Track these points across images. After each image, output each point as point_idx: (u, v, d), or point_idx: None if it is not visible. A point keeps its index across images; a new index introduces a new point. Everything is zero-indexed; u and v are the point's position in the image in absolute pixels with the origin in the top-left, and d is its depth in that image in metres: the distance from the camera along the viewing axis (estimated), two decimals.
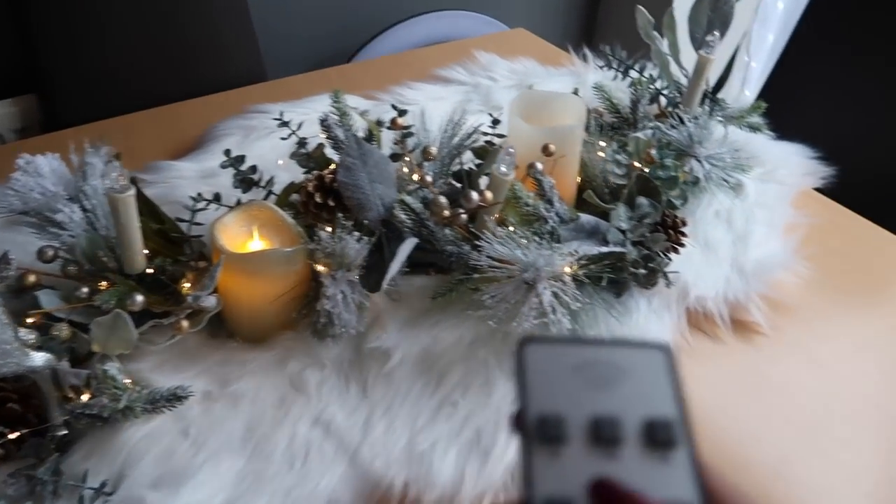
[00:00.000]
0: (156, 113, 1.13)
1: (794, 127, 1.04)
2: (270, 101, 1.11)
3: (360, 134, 0.83)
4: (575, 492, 0.24)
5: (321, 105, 1.09)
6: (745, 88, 2.14)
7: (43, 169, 0.71)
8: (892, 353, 0.73)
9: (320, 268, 0.67)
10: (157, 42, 1.24)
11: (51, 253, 0.67)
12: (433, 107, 1.10)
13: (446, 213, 0.70)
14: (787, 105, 1.20)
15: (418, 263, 0.75)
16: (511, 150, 0.69)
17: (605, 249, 0.68)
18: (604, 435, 0.25)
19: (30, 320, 0.61)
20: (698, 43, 1.00)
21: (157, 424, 0.61)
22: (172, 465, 0.58)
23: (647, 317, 0.72)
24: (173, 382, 0.63)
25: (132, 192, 0.63)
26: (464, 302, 0.72)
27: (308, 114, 1.04)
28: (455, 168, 0.82)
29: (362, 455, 0.59)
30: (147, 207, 0.74)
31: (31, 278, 0.65)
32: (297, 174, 0.87)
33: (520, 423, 0.26)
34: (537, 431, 0.25)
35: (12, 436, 0.56)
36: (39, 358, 0.56)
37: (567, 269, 0.65)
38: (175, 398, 0.59)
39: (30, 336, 0.58)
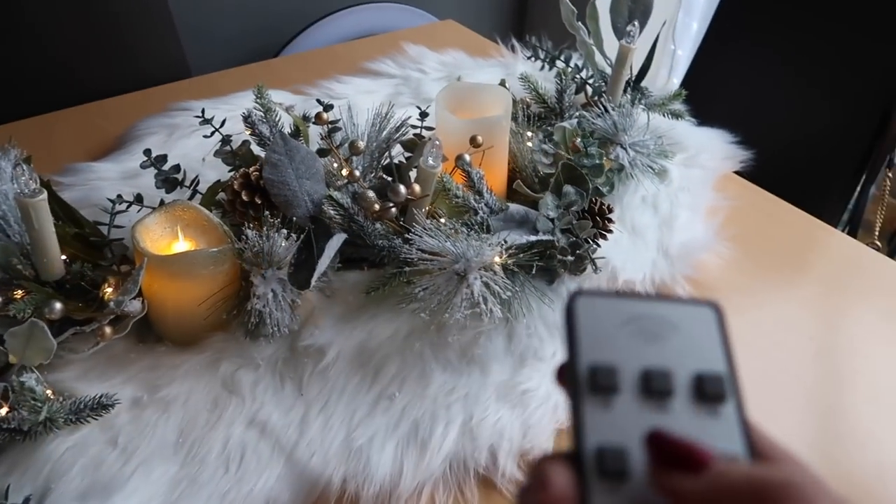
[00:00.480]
0: (74, 112, 1.09)
1: (715, 112, 1.08)
2: (194, 98, 1.08)
3: (287, 130, 0.82)
4: (627, 440, 0.24)
5: (247, 101, 1.06)
6: (672, 76, 2.21)
7: None
8: (809, 328, 0.76)
9: (249, 267, 0.66)
10: (74, 37, 1.18)
11: None
12: (363, 100, 1.09)
13: (376, 207, 0.70)
14: (708, 91, 1.24)
15: (350, 259, 0.75)
16: (437, 142, 0.69)
17: (533, 238, 0.69)
18: (654, 387, 0.25)
19: None
20: (620, 33, 1.02)
21: (84, 434, 0.59)
22: (101, 475, 0.56)
23: None
24: (100, 390, 0.61)
25: (44, 196, 0.61)
26: (398, 296, 0.72)
27: (233, 110, 1.02)
28: (385, 162, 0.82)
29: (299, 454, 0.59)
30: (64, 211, 0.71)
31: None
32: (223, 172, 0.85)
33: (570, 374, 0.26)
34: (588, 382, 0.25)
35: None
36: None
37: (497, 259, 0.66)
38: (100, 407, 0.58)
39: None
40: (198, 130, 0.99)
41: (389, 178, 0.81)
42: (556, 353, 0.69)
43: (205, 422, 0.61)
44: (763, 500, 0.23)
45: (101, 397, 0.58)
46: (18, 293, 0.63)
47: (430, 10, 1.69)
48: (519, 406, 0.63)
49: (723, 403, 0.26)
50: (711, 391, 0.26)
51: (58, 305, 0.60)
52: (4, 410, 0.56)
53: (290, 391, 0.64)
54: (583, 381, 0.25)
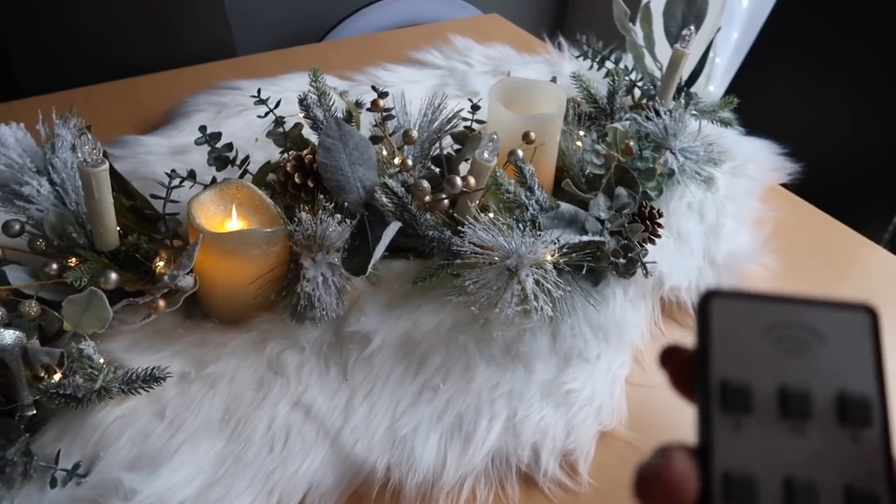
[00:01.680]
0: (121, 85, 1.09)
1: (762, 123, 1.07)
2: (240, 77, 1.08)
3: (339, 115, 0.82)
4: (757, 468, 0.22)
5: (294, 83, 1.07)
6: (710, 84, 2.19)
7: (7, 139, 0.68)
8: None
9: (300, 249, 0.66)
10: (123, 11, 1.19)
11: (17, 227, 0.64)
12: (409, 90, 1.08)
13: (428, 197, 0.70)
14: (755, 101, 1.22)
15: (398, 248, 0.75)
16: (495, 136, 0.69)
17: (585, 238, 0.69)
18: (791, 408, 0.23)
19: None
20: (673, 36, 1.01)
21: (132, 405, 0.60)
22: (148, 447, 0.57)
23: (623, 306, 0.73)
24: (148, 363, 0.61)
25: (105, 166, 0.61)
26: (444, 287, 0.72)
27: (281, 92, 1.02)
28: (434, 153, 0.82)
29: (343, 439, 0.59)
30: (118, 183, 0.72)
31: None
32: (271, 153, 0.85)
33: (700, 384, 0.24)
34: (719, 398, 0.23)
35: None
36: (9, 336, 0.54)
37: (549, 258, 0.65)
38: (152, 379, 0.58)
39: None
40: (245, 110, 0.99)
41: (438, 169, 0.81)
42: (600, 354, 0.68)
43: (250, 400, 0.62)
44: None
45: (153, 370, 0.58)
46: (73, 261, 0.64)
47: (473, 2, 1.68)
48: (563, 406, 0.63)
49: (866, 429, 0.23)
50: (854, 415, 0.23)
51: (113, 276, 0.60)
52: (59, 376, 0.56)
53: (335, 376, 0.65)
54: (714, 396, 0.23)
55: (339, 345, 0.67)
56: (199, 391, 0.61)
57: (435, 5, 1.61)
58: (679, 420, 0.65)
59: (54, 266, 0.62)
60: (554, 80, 0.98)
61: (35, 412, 0.57)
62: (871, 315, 0.24)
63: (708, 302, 0.25)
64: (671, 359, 0.26)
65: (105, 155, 0.66)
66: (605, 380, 0.66)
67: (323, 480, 0.57)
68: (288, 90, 1.04)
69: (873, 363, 0.24)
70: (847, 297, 0.25)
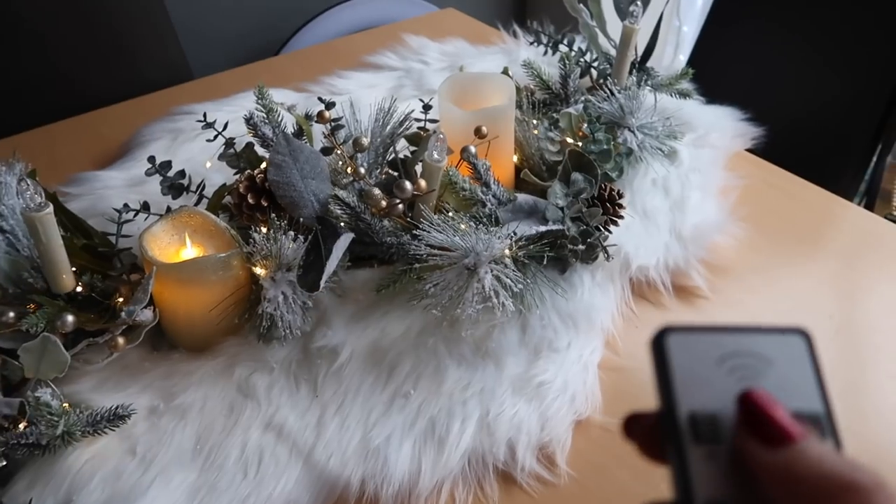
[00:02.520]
0: (77, 121, 1.09)
1: (723, 90, 1.06)
2: (197, 100, 1.08)
3: (290, 129, 0.82)
4: (731, 493, 0.24)
5: (249, 102, 1.06)
6: (679, 53, 2.18)
7: None
8: (828, 305, 0.75)
9: (259, 270, 0.66)
10: (74, 45, 1.18)
11: None
12: (365, 95, 1.08)
13: (382, 204, 0.69)
14: (716, 68, 1.22)
15: (360, 257, 0.75)
16: (441, 135, 0.68)
17: (542, 228, 0.68)
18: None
19: None
20: (623, 13, 1.01)
21: (102, 446, 0.59)
22: (121, 485, 0.56)
23: (592, 290, 0.73)
24: (115, 401, 0.61)
25: (50, 209, 0.60)
26: (408, 292, 0.71)
27: (237, 111, 1.02)
28: (390, 157, 0.81)
29: (317, 456, 0.59)
30: (72, 222, 0.71)
31: None
32: (229, 176, 0.85)
33: (668, 421, 0.25)
34: (690, 432, 0.24)
35: None
36: None
37: (507, 252, 0.65)
38: (117, 417, 0.58)
39: None
40: (202, 134, 0.98)
41: (395, 174, 0.81)
42: (570, 343, 0.68)
43: (222, 427, 0.61)
44: (838, 497, 0.22)
45: (117, 408, 0.58)
46: (31, 307, 0.64)
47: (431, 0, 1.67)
48: (535, 399, 0.63)
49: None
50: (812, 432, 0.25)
51: (70, 318, 0.60)
52: (22, 426, 0.56)
53: (306, 393, 0.64)
54: (685, 432, 0.25)
55: (307, 361, 0.66)
56: (169, 423, 0.61)
57: (391, 6, 1.60)
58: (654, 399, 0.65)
59: (10, 314, 0.62)
60: (505, 70, 0.97)
61: (5, 463, 0.57)
62: (806, 337, 0.27)
63: (663, 339, 0.26)
64: (634, 428, 0.27)
65: (53, 196, 0.66)
66: (576, 368, 0.66)
67: (299, 499, 0.56)
68: (243, 109, 1.03)
69: (816, 381, 0.26)
70: (783, 323, 0.27)
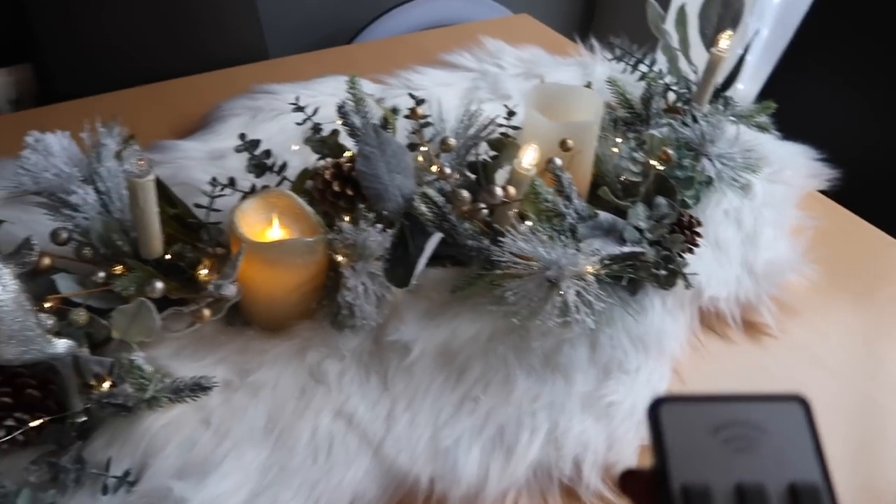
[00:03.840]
0: (156, 88, 1.10)
1: (797, 127, 1.06)
2: (274, 80, 1.09)
3: (375, 121, 0.82)
4: None
5: (327, 87, 1.07)
6: (738, 81, 2.17)
7: (53, 147, 0.69)
8: (893, 355, 0.75)
9: (340, 258, 0.66)
10: (157, 14, 1.20)
11: (65, 235, 0.65)
12: (441, 93, 1.09)
13: (467, 206, 0.70)
14: (790, 104, 1.21)
15: (435, 256, 0.75)
16: (536, 146, 0.69)
17: (626, 249, 0.68)
18: None
19: (47, 305, 0.59)
20: (708, 39, 1.00)
21: (178, 413, 0.60)
22: (195, 455, 0.58)
23: (662, 316, 0.73)
24: (192, 370, 0.62)
25: (152, 177, 0.62)
26: (481, 296, 0.72)
27: (315, 96, 1.03)
28: (469, 159, 0.81)
29: (386, 449, 0.59)
30: (161, 191, 0.72)
31: (46, 261, 0.63)
32: (306, 159, 0.86)
33: (662, 493, 0.25)
34: (683, 503, 0.25)
35: (34, 423, 0.55)
36: (62, 345, 0.55)
37: (589, 269, 0.65)
38: (199, 388, 0.59)
39: (49, 321, 0.57)
40: (280, 115, 0.99)
41: (474, 176, 0.81)
42: (639, 366, 0.68)
43: (293, 409, 0.62)
44: None
45: (200, 379, 0.59)
46: (118, 269, 0.65)
47: (502, 2, 1.67)
48: (604, 418, 0.63)
49: None
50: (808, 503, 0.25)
51: (159, 285, 0.61)
52: (108, 384, 0.57)
53: (375, 385, 0.65)
54: (678, 502, 0.25)
55: (378, 353, 0.67)
56: (242, 399, 0.62)
57: (462, 5, 1.60)
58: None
59: (101, 274, 0.63)
60: (589, 85, 0.97)
61: (85, 419, 0.58)
62: (803, 405, 0.26)
63: (657, 410, 0.26)
64: (629, 484, 0.27)
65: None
66: (645, 392, 0.66)
67: (367, 492, 0.57)
68: (321, 94, 1.04)
69: (814, 450, 0.25)
70: (780, 391, 0.27)
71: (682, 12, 1.01)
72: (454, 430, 0.61)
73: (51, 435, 0.56)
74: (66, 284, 0.62)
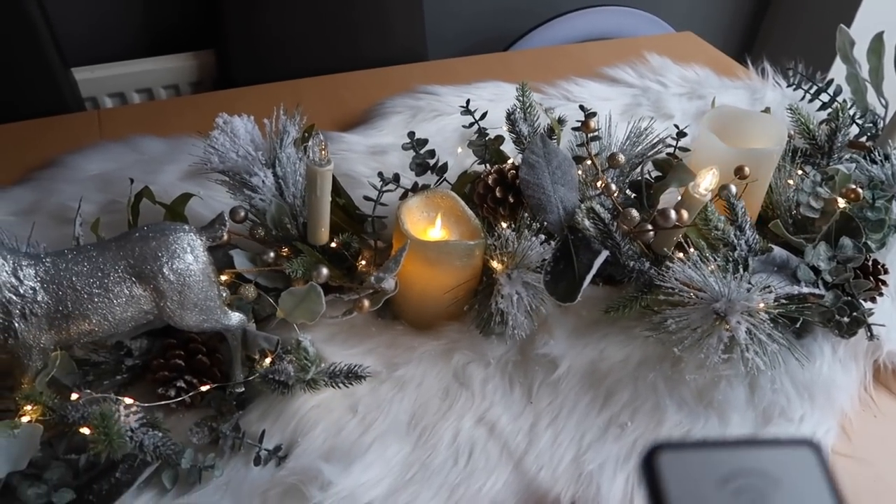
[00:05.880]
0: (321, 81, 1.15)
1: None
2: (432, 81, 1.11)
3: (542, 131, 0.81)
4: None
5: (487, 92, 1.08)
6: None
7: (239, 130, 0.72)
8: None
9: (496, 265, 0.66)
10: (328, 14, 1.25)
11: (242, 214, 0.69)
12: (599, 106, 1.06)
13: (633, 225, 0.67)
14: None
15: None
16: (714, 170, 0.65)
17: (805, 290, 0.63)
18: None
19: (224, 278, 0.63)
20: None
21: (327, 397, 0.62)
22: (341, 440, 0.59)
23: (832, 366, 0.67)
24: (342, 357, 0.64)
25: (331, 167, 0.64)
26: (631, 319, 0.69)
27: (474, 101, 1.03)
28: (635, 178, 0.79)
29: (527, 464, 0.58)
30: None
31: (225, 236, 0.66)
32: (461, 161, 0.86)
33: None
34: None
35: (203, 388, 0.58)
36: (236, 318, 0.58)
37: (762, 305, 0.61)
38: (353, 376, 0.60)
39: (224, 294, 0.60)
40: (439, 116, 1.01)
41: (634, 195, 0.79)
42: (804, 416, 0.63)
43: (436, 408, 0.62)
44: None
45: (355, 367, 0.60)
46: (285, 251, 0.68)
47: (662, 17, 1.62)
48: None
49: None
50: None
51: (325, 271, 0.63)
52: (268, 361, 0.60)
53: (519, 396, 0.64)
54: None
55: (524, 365, 0.66)
56: (388, 392, 0.63)
57: (623, 19, 1.57)
58: (887, 502, 0.59)
59: (271, 254, 0.66)
60: (767, 111, 0.92)
61: (243, 390, 0.61)
62: (815, 450, 0.24)
63: (655, 458, 0.23)
64: None
65: None
66: None
67: (505, 502, 0.56)
68: (481, 98, 1.05)
69: (832, 498, 0.23)
70: (790, 436, 0.23)
71: (878, 40, 0.93)
72: (599, 454, 0.59)
73: (213, 401, 0.59)
74: (241, 261, 0.65)
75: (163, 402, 0.57)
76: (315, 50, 1.26)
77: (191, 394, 0.58)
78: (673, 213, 0.63)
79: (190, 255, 0.53)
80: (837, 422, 0.64)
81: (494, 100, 1.05)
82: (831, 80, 1.00)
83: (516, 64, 1.25)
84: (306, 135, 0.73)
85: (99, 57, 1.25)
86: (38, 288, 0.48)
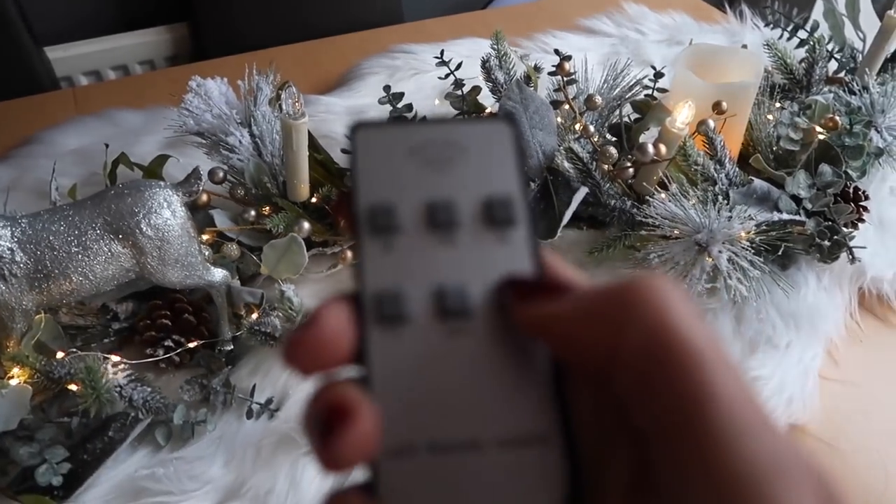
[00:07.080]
0: (297, 48, 1.14)
1: None
2: (411, 42, 1.10)
3: (519, 78, 0.81)
4: (408, 282, 0.22)
5: (464, 48, 1.07)
6: None
7: (213, 92, 0.72)
8: None
9: None
10: None
11: (221, 174, 0.68)
12: (579, 58, 1.05)
13: (612, 164, 0.67)
14: None
15: (573, 217, 0.73)
16: (690, 104, 0.65)
17: (785, 217, 0.64)
18: (439, 219, 0.23)
19: (205, 238, 0.62)
20: (880, 3, 0.92)
21: None
22: None
23: (817, 293, 0.68)
24: None
25: (306, 119, 0.63)
26: (616, 259, 0.70)
27: (451, 56, 1.02)
28: (612, 121, 0.79)
29: None
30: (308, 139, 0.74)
31: (204, 197, 0.66)
32: (445, 114, 0.86)
33: (351, 215, 0.24)
34: (367, 223, 0.23)
35: (191, 345, 0.58)
36: (219, 273, 0.58)
37: (743, 234, 0.61)
38: None
39: (206, 252, 0.60)
40: (417, 73, 1.00)
41: (614, 138, 0.78)
42: (790, 343, 0.64)
43: None
44: (626, 302, 0.19)
45: None
46: (266, 209, 0.68)
47: None
48: None
49: (512, 228, 0.23)
50: (500, 216, 0.23)
51: (306, 225, 0.63)
52: (255, 316, 0.60)
53: None
54: (362, 223, 0.23)
55: None
56: None
57: None
58: (876, 424, 0.60)
59: (252, 213, 0.66)
60: (744, 47, 0.91)
61: (231, 348, 0.61)
62: (510, 124, 0.25)
63: (355, 133, 0.24)
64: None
65: None
66: (796, 371, 0.61)
67: None
68: (458, 55, 1.03)
69: (514, 167, 0.24)
70: (489, 114, 0.23)
71: None
72: None
73: (202, 359, 0.59)
74: (221, 220, 0.65)
75: (151, 360, 0.57)
76: (289, 17, 1.25)
77: (178, 351, 0.58)
78: (651, 147, 0.63)
79: (167, 211, 0.52)
80: (824, 348, 0.65)
81: (471, 56, 1.03)
82: (808, 17, 0.99)
83: (494, 21, 1.23)
84: (280, 93, 0.73)
85: (72, 35, 1.23)
86: (15, 248, 0.48)
